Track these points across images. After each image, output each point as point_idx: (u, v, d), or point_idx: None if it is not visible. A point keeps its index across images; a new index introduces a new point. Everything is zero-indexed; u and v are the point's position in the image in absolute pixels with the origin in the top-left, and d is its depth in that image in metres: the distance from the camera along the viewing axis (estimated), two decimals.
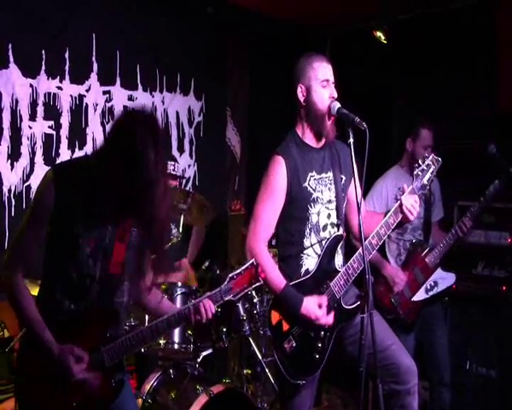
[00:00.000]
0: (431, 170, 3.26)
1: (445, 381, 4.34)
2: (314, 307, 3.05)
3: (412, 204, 3.14)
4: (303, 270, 3.16)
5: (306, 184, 3.16)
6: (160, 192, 2.34)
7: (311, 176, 3.18)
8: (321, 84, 3.13)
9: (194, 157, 5.88)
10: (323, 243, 3.18)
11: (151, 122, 2.38)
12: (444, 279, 4.28)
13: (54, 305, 2.48)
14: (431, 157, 3.28)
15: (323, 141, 3.26)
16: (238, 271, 2.68)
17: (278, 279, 3.09)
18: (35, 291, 2.57)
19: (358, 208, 2.90)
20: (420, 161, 3.27)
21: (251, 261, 2.71)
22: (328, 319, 3.08)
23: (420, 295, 4.20)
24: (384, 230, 3.16)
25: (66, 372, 2.42)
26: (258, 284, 2.71)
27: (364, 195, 3.00)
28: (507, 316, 4.59)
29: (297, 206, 3.16)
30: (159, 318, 2.62)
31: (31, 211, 2.49)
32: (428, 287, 4.22)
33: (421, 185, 3.24)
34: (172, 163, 4.57)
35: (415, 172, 3.24)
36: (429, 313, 4.29)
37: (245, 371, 4.15)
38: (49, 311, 2.47)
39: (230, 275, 2.67)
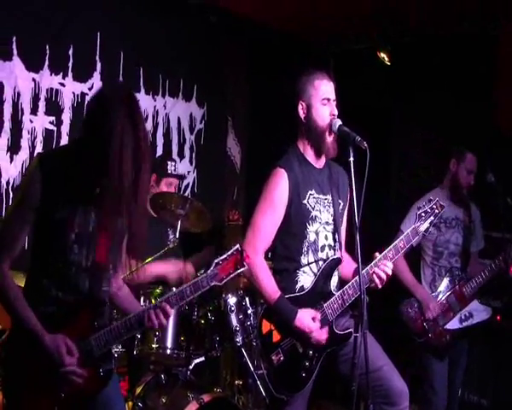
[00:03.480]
0: (434, 213, 3.36)
1: None
2: (308, 319, 3.11)
3: (382, 274, 3.16)
4: (298, 286, 3.23)
5: (306, 202, 3.24)
6: (143, 168, 2.43)
7: (311, 194, 3.26)
8: (321, 102, 3.22)
9: (194, 164, 5.97)
10: (321, 263, 3.25)
11: (123, 93, 2.48)
12: (479, 312, 4.30)
13: (41, 293, 2.54)
14: (435, 201, 3.37)
15: (323, 160, 3.35)
16: (224, 256, 2.76)
17: (273, 290, 3.16)
18: (21, 283, 2.62)
19: (356, 228, 2.98)
20: (424, 203, 3.37)
21: (236, 247, 2.79)
22: (322, 335, 3.14)
23: (453, 324, 4.23)
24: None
25: (57, 362, 2.47)
26: (243, 270, 2.79)
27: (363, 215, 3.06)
28: (501, 345, 4.68)
29: (295, 222, 3.23)
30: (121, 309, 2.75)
31: (18, 200, 2.57)
32: (463, 317, 4.25)
33: (424, 228, 3.32)
34: (173, 163, 4.67)
35: (418, 213, 3.34)
36: (456, 346, 4.30)
37: (236, 382, 4.20)
38: (37, 300, 2.52)
39: (216, 261, 2.74)
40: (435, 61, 5.83)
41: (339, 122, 3.19)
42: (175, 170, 4.67)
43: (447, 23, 5.54)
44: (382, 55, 6.21)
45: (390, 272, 3.18)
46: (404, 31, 5.85)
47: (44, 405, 2.51)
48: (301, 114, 3.29)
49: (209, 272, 2.73)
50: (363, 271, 3.12)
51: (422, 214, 3.33)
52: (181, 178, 4.98)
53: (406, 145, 6.22)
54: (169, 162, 4.64)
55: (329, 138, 3.23)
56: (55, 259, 2.53)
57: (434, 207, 3.37)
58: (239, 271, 2.78)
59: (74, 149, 2.55)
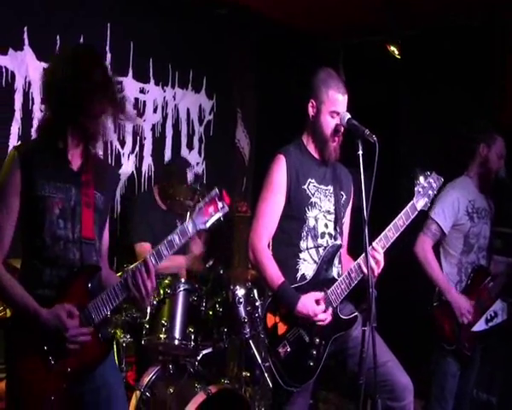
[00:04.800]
0: (432, 187, 3.38)
1: None
2: (311, 302, 3.15)
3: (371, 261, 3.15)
4: (299, 275, 3.27)
5: (305, 187, 3.29)
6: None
7: (311, 182, 3.32)
8: (330, 113, 3.27)
9: (202, 155, 5.98)
10: (321, 250, 3.29)
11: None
12: (503, 311, 4.18)
13: (36, 275, 2.62)
14: (433, 175, 3.39)
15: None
16: (205, 200, 2.88)
17: (276, 276, 3.19)
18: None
19: (365, 222, 3.01)
20: (421, 179, 3.36)
21: (214, 190, 2.92)
22: (327, 315, 3.16)
23: (480, 326, 4.06)
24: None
25: (59, 330, 2.53)
26: (225, 211, 2.93)
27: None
28: (510, 343, 4.66)
29: (294, 205, 3.28)
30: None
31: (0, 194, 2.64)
32: (488, 317, 4.11)
33: (423, 204, 3.34)
34: (192, 169, 4.73)
35: (416, 189, 3.34)
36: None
37: (244, 374, 4.22)
38: (33, 283, 2.60)
39: (199, 205, 2.86)
40: (444, 53, 5.82)
41: (347, 116, 3.23)
42: (192, 179, 4.72)
43: (456, 15, 5.53)
44: (392, 48, 6.22)
45: (379, 258, 3.17)
46: (414, 23, 5.83)
47: (52, 385, 2.56)
48: (310, 111, 3.35)
49: (193, 216, 2.84)
50: (358, 261, 3.19)
51: (420, 190, 3.33)
52: (199, 184, 4.97)
53: (415, 138, 6.22)
54: (188, 170, 4.74)
55: (333, 144, 3.30)
56: (43, 236, 2.61)
57: (432, 181, 3.38)
58: (221, 212, 2.90)
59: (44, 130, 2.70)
